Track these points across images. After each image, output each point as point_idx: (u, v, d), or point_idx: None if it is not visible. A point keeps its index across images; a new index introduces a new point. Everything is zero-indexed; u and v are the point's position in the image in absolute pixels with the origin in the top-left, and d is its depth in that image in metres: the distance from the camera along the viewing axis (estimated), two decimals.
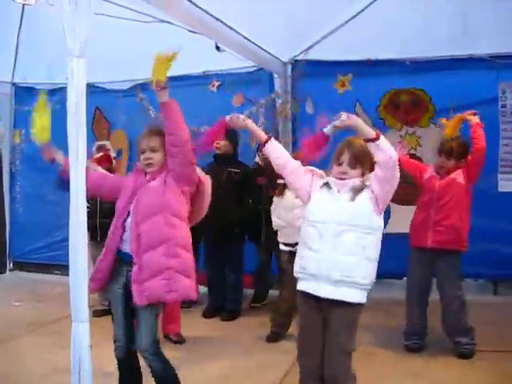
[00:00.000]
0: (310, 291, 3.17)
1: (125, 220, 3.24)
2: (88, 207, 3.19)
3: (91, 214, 4.92)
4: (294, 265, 3.30)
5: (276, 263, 5.97)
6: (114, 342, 3.35)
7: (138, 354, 3.31)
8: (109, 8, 4.67)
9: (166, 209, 3.21)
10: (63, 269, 7.62)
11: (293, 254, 4.67)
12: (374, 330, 5.03)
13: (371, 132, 2.99)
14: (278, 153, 3.34)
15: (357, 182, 3.11)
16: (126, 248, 3.22)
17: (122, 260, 3.24)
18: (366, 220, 3.07)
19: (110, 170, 5.58)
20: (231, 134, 5.44)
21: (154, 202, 3.21)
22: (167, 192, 3.23)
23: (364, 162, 3.13)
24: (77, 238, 2.89)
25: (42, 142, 3.60)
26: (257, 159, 5.99)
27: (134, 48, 5.99)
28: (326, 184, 3.20)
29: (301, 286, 3.24)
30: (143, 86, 6.94)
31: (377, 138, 2.96)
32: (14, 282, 7.29)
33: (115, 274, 3.29)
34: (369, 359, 4.37)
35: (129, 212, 3.25)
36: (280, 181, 4.87)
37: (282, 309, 5.04)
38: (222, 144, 5.56)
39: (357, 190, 3.10)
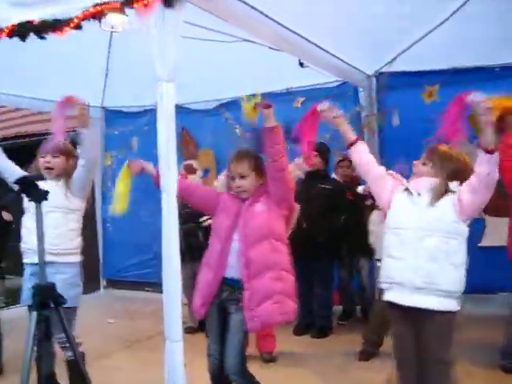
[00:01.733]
0: (396, 301, 3.11)
1: (230, 244, 3.27)
2: None
3: None
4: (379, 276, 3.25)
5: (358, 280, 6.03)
6: (208, 356, 3.39)
7: None
8: (191, 30, 4.75)
9: (271, 234, 3.24)
10: (154, 286, 7.80)
11: None
12: (471, 347, 4.82)
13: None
14: (363, 156, 3.32)
15: (435, 183, 3.03)
16: (230, 273, 3.25)
17: (226, 284, 3.29)
18: (449, 225, 2.98)
19: None
20: (322, 150, 5.45)
21: (262, 227, 3.23)
22: (271, 217, 3.26)
23: (436, 161, 3.08)
24: (169, 258, 2.93)
25: (120, 210, 3.75)
26: (334, 176, 5.93)
27: (218, 68, 6.07)
28: (406, 189, 3.15)
29: (387, 296, 3.19)
30: (228, 105, 7.05)
31: None
32: (108, 299, 7.50)
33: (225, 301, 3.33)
34: (467, 378, 4.20)
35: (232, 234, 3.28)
36: (367, 202, 4.82)
37: (372, 325, 4.95)
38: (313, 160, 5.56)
39: (437, 194, 3.02)
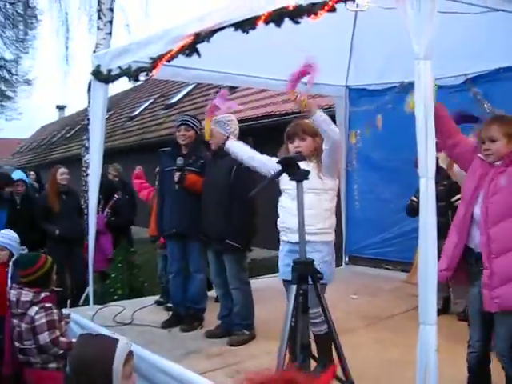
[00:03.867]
0: None
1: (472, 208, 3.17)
2: None
3: None
4: None
5: None
6: (468, 346, 3.31)
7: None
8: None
9: None
10: (394, 264, 7.79)
11: None
12: None
13: None
14: None
15: None
16: (472, 243, 3.16)
17: (470, 255, 3.19)
18: None
19: None
20: None
21: (506, 202, 3.07)
22: None
23: None
24: (427, 240, 2.88)
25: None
26: None
27: (465, 41, 5.79)
28: None
29: None
30: (475, 80, 6.71)
31: None
32: (349, 275, 7.62)
33: (470, 274, 3.23)
34: None
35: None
36: None
37: None
38: None
39: None
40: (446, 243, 3.35)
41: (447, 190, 5.03)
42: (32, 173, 12.63)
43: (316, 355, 3.52)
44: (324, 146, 3.83)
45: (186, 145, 5.48)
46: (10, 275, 4.81)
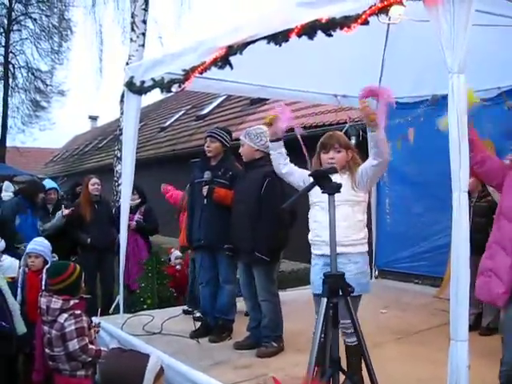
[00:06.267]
0: None
1: None
2: None
3: None
4: None
5: None
6: (501, 364, 3.25)
7: None
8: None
9: None
10: (424, 279, 7.71)
11: None
12: None
13: None
14: None
15: None
16: None
17: None
18: None
19: None
20: None
21: None
22: None
23: None
24: (459, 254, 2.85)
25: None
26: None
27: (499, 54, 5.73)
28: None
29: None
30: (510, 93, 6.63)
31: None
32: (379, 289, 7.52)
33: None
34: None
35: None
36: None
37: None
38: None
39: None
40: (497, 264, 3.26)
41: (491, 205, 4.96)
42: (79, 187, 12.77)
43: (345, 368, 3.49)
44: (372, 163, 3.81)
45: (213, 157, 5.51)
46: (43, 282, 4.91)
